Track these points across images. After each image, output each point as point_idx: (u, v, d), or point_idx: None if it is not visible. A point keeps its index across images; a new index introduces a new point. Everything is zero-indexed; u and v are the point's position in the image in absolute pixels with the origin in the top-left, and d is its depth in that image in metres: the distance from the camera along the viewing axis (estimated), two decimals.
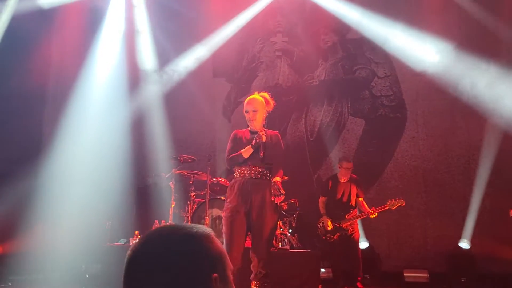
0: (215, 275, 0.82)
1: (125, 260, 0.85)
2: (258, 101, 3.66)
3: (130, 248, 0.87)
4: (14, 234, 6.18)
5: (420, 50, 7.02)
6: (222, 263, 0.86)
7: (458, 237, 6.73)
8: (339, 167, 5.81)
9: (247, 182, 3.52)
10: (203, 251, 0.84)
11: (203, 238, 0.86)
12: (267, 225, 3.48)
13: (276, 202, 3.49)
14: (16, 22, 6.35)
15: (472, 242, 6.66)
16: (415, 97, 7.32)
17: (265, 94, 3.76)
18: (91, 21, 7.25)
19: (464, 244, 6.59)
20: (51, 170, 6.59)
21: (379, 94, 7.42)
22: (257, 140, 3.52)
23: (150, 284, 0.82)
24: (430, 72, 6.99)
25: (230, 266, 0.89)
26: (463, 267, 6.36)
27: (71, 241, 5.74)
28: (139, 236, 5.46)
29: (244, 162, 3.56)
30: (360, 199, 5.79)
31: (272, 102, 3.76)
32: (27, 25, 6.39)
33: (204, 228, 0.91)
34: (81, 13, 7.14)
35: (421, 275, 6.41)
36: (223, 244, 3.57)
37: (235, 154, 3.58)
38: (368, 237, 6.61)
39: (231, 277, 0.88)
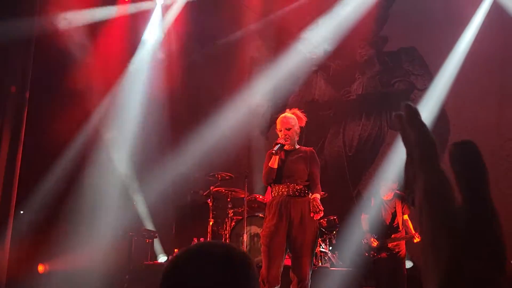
0: None
1: (162, 275, 0.83)
2: (290, 118, 3.68)
3: (167, 263, 0.85)
4: (57, 253, 6.38)
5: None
6: (258, 285, 0.84)
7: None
8: (383, 185, 5.65)
9: (285, 200, 3.51)
10: (243, 277, 0.81)
11: (240, 260, 0.83)
12: (307, 243, 3.44)
13: (315, 219, 3.47)
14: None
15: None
16: (459, 109, 7.07)
17: (296, 111, 3.79)
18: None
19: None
20: (92, 190, 6.80)
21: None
22: (277, 143, 3.54)
23: None
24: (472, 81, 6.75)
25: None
26: None
27: (115, 260, 5.85)
28: None
29: (282, 180, 3.57)
30: (405, 217, 5.56)
31: (304, 118, 3.78)
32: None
33: (239, 249, 0.88)
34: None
35: None
36: (261, 262, 3.54)
37: (266, 169, 3.62)
38: (413, 255, 6.35)
39: None
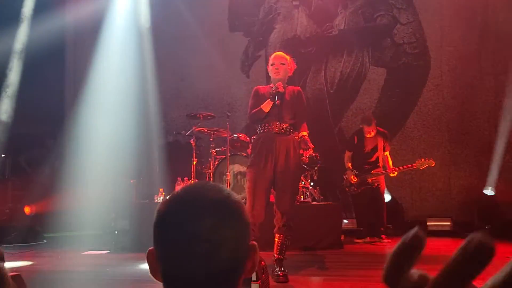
0: (254, 243, 0.79)
1: (156, 214, 0.81)
2: (286, 56, 3.73)
3: (163, 203, 0.82)
4: (47, 194, 6.44)
5: None
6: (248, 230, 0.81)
7: (483, 185, 6.67)
8: (362, 126, 5.73)
9: (272, 138, 3.55)
10: (245, 222, 0.79)
11: (240, 205, 0.80)
12: (291, 180, 3.54)
13: (299, 157, 3.57)
14: None
15: (497, 189, 6.60)
16: (440, 43, 7.04)
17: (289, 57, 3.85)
18: None
19: (489, 191, 6.53)
20: (77, 133, 6.75)
21: (402, 41, 7.16)
22: (274, 91, 3.56)
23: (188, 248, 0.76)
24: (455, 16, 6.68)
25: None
26: (488, 215, 6.35)
27: (100, 200, 5.93)
28: (163, 193, 5.60)
29: (268, 118, 3.60)
30: (386, 153, 5.72)
31: (293, 61, 3.80)
32: None
33: (233, 194, 0.82)
34: None
35: (444, 223, 6.43)
36: (245, 199, 3.63)
37: (256, 109, 3.63)
38: (391, 189, 6.60)
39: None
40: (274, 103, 3.54)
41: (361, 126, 5.79)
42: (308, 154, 3.54)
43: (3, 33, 6.20)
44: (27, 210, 6.38)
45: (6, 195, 6.31)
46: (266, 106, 3.56)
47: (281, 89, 3.56)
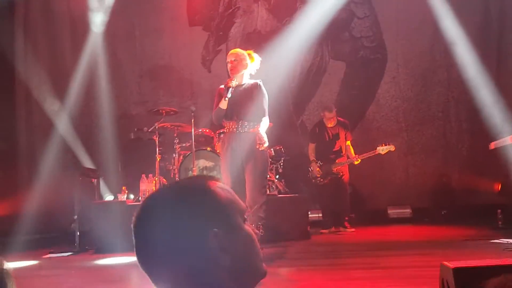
0: (215, 230, 0.78)
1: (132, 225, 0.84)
2: (239, 52, 3.80)
3: (136, 210, 0.85)
4: (3, 196, 6.13)
5: None
6: (224, 214, 0.81)
7: (439, 173, 6.96)
8: (323, 116, 5.86)
9: (235, 136, 3.72)
10: (196, 210, 0.80)
11: (195, 195, 0.82)
12: (257, 171, 3.69)
13: (264, 150, 3.71)
14: None
15: (452, 177, 6.92)
16: (395, 37, 7.26)
17: (250, 51, 3.90)
18: None
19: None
20: (32, 133, 6.48)
21: (359, 35, 7.33)
22: (227, 87, 3.68)
23: (152, 251, 0.80)
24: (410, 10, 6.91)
25: (239, 210, 0.86)
26: (444, 201, 6.65)
27: (60, 201, 5.72)
28: (126, 192, 5.47)
29: (228, 117, 3.74)
30: (348, 142, 5.86)
31: (256, 58, 3.87)
32: None
33: (201, 181, 0.86)
34: None
35: (404, 211, 6.67)
36: None
37: (215, 109, 3.77)
38: (352, 179, 6.75)
39: (240, 223, 0.85)
40: (228, 98, 3.65)
41: (322, 114, 5.91)
42: (263, 149, 3.64)
43: None
44: None
45: None
46: (223, 103, 3.70)
47: (229, 84, 3.68)
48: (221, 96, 3.77)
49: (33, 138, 6.72)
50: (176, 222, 0.79)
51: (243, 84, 3.80)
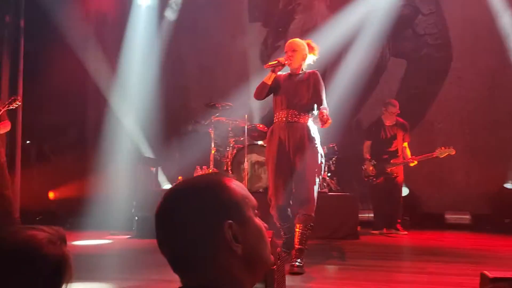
0: (229, 221, 0.87)
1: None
2: (298, 42, 3.59)
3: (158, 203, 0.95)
4: (70, 181, 6.63)
5: None
6: (237, 207, 0.90)
7: (503, 179, 6.58)
8: (384, 111, 5.73)
9: (285, 126, 3.49)
10: (211, 203, 0.88)
11: (210, 189, 0.90)
12: (308, 167, 3.41)
13: (315, 144, 3.46)
14: None
15: None
16: (462, 34, 6.93)
17: (310, 41, 3.70)
18: None
19: (510, 185, 6.45)
20: (100, 122, 6.92)
21: (423, 32, 7.07)
22: (278, 63, 3.48)
23: (172, 241, 0.89)
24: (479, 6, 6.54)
25: (251, 205, 0.94)
26: (507, 208, 6.27)
27: (121, 187, 6.07)
28: None
29: (281, 106, 3.53)
30: (405, 144, 5.72)
31: (315, 47, 3.68)
32: None
33: (216, 176, 0.95)
34: None
35: (463, 217, 6.38)
36: (261, 189, 3.65)
37: (259, 84, 3.58)
38: (409, 181, 6.56)
39: (252, 216, 0.93)
40: (274, 74, 3.48)
41: (384, 108, 5.75)
42: (327, 126, 3.34)
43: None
44: (51, 195, 6.59)
45: (31, 181, 6.51)
46: (267, 78, 3.52)
47: (281, 60, 3.50)
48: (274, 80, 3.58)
49: (100, 128, 7.15)
50: (195, 213, 0.88)
51: (299, 74, 3.61)
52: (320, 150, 3.53)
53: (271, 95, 3.64)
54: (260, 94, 3.58)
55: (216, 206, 0.88)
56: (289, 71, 3.67)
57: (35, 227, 0.83)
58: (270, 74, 3.52)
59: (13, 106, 4.33)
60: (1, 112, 4.35)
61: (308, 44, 3.63)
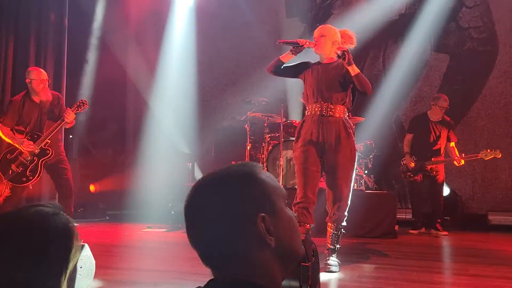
0: (262, 214, 0.84)
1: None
2: (327, 27, 3.33)
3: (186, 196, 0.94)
4: (110, 174, 6.83)
5: None
6: (269, 199, 0.87)
7: None
8: (433, 105, 5.49)
9: (318, 120, 3.25)
10: (243, 195, 0.86)
11: (241, 181, 0.88)
12: (343, 165, 3.22)
13: (351, 140, 3.25)
14: None
15: None
16: (510, 27, 6.60)
17: (345, 30, 3.42)
18: None
19: None
20: (139, 118, 7.08)
21: (467, 25, 6.79)
22: (299, 45, 3.25)
23: (203, 234, 0.88)
24: None
25: (282, 196, 0.91)
26: None
27: (159, 181, 6.20)
28: None
29: (313, 99, 3.29)
30: (452, 144, 5.48)
31: (352, 35, 3.37)
32: None
33: (246, 167, 0.91)
34: None
35: (507, 218, 6.10)
36: (296, 185, 3.53)
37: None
38: (450, 179, 6.33)
39: (283, 207, 0.90)
40: (292, 53, 3.30)
41: (432, 103, 5.49)
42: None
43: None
44: (92, 188, 6.80)
45: (74, 174, 6.74)
46: (284, 56, 3.34)
47: (301, 41, 3.25)
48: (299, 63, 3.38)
49: (139, 123, 7.30)
50: (226, 206, 0.86)
51: (333, 63, 3.33)
52: (355, 147, 3.32)
53: (300, 84, 3.45)
54: (272, 67, 3.41)
55: (247, 198, 0.86)
56: (319, 60, 3.38)
57: (37, 204, 0.92)
58: (288, 53, 3.33)
59: (81, 110, 4.39)
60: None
61: (344, 32, 3.37)
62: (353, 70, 3.20)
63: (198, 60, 7.39)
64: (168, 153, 6.70)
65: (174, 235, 5.01)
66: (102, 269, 2.64)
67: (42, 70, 4.49)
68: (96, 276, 2.30)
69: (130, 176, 6.64)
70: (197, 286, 0.88)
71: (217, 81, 7.64)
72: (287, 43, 3.37)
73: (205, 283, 0.86)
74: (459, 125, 6.60)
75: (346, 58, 3.11)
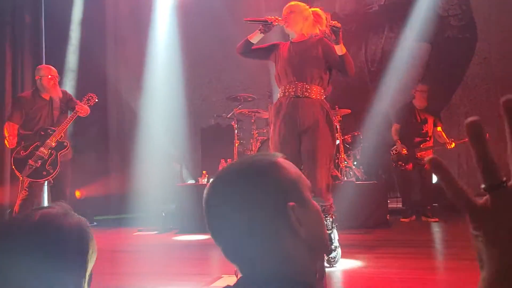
0: (292, 204, 0.80)
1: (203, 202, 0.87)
2: (297, 4, 3.08)
3: (205, 190, 0.87)
4: (96, 179, 6.68)
5: None
6: (296, 188, 0.83)
7: None
8: (414, 92, 5.56)
9: (294, 102, 2.97)
10: (271, 184, 0.81)
11: (268, 170, 0.83)
12: (321, 149, 2.93)
13: (331, 123, 3.02)
14: None
15: None
16: (488, 13, 6.70)
17: (317, 9, 3.10)
18: None
19: None
20: (122, 119, 6.94)
21: (446, 14, 6.87)
22: (268, 22, 3.00)
23: (228, 228, 0.82)
24: None
25: (307, 185, 0.87)
26: None
27: (147, 183, 6.10)
28: (207, 176, 5.69)
29: (287, 78, 3.02)
30: (439, 128, 5.57)
31: (322, 16, 3.03)
32: None
33: (269, 157, 0.86)
34: None
35: None
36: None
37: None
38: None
39: (309, 197, 0.86)
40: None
41: (413, 91, 5.58)
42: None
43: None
44: (77, 194, 6.64)
45: None
46: (254, 36, 3.10)
47: (270, 18, 3.00)
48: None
49: (123, 126, 7.18)
50: (254, 195, 0.81)
51: (304, 41, 3.08)
52: (335, 131, 3.08)
53: (269, 64, 3.23)
54: (241, 47, 3.16)
55: (277, 187, 0.81)
56: (290, 38, 3.14)
57: (41, 207, 0.87)
58: (256, 32, 3.09)
59: (91, 103, 4.40)
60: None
61: (315, 12, 3.07)
62: (341, 49, 2.97)
63: (182, 59, 7.29)
64: (155, 155, 6.60)
65: (165, 236, 4.93)
66: (98, 276, 2.55)
67: (52, 67, 4.40)
68: (92, 284, 2.22)
69: (116, 180, 6.52)
70: (225, 286, 0.82)
71: (202, 79, 7.56)
72: (255, 21, 3.11)
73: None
74: (442, 111, 6.67)
75: (340, 35, 2.91)
